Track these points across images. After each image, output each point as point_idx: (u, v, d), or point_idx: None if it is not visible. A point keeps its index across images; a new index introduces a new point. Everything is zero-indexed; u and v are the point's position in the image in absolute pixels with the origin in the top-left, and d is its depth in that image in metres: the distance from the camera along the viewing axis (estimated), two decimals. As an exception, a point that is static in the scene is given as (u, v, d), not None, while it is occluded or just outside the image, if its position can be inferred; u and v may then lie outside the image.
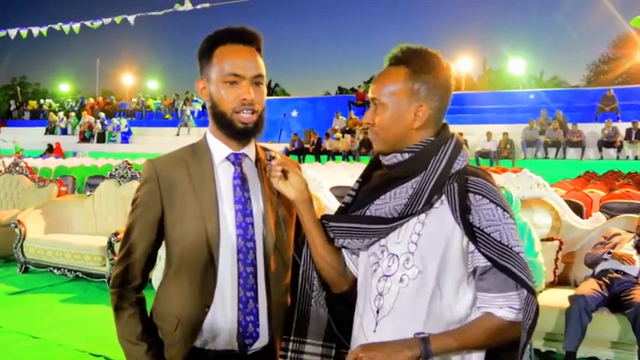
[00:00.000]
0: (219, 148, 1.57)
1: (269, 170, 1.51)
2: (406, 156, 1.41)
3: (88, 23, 17.83)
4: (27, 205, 7.02)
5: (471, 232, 1.33)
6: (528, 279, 1.32)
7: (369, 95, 1.45)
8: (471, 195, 1.35)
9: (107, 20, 17.59)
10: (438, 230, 1.36)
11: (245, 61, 1.50)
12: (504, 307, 1.34)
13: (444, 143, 1.40)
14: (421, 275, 1.36)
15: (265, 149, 1.66)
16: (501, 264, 1.31)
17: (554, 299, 3.68)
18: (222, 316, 1.53)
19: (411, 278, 1.37)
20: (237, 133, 1.53)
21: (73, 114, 28.16)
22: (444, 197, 1.36)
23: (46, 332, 4.40)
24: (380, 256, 1.43)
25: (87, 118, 26.58)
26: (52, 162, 14.29)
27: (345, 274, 1.56)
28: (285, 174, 1.50)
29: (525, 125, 17.83)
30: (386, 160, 1.46)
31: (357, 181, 1.55)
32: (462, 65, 35.08)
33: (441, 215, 1.36)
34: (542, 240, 4.17)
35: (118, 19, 17.51)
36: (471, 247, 1.35)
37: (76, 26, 17.81)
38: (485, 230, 1.33)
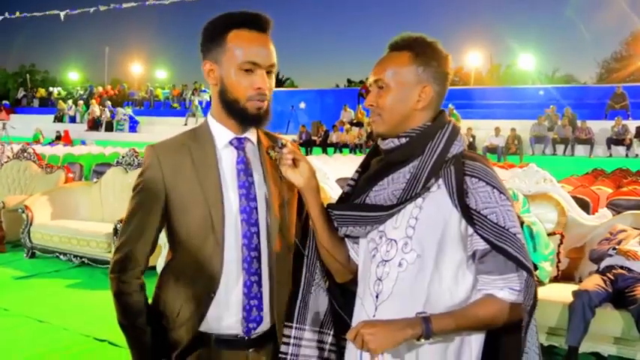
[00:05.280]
0: (222, 133, 1.56)
1: (279, 158, 1.50)
2: (403, 140, 1.43)
3: (91, 10, 17.97)
4: (34, 191, 7.05)
5: (469, 214, 1.34)
6: (525, 259, 1.33)
7: (371, 78, 1.46)
8: (467, 178, 1.36)
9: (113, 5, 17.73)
10: (435, 214, 1.37)
11: (262, 49, 1.48)
12: (505, 288, 1.35)
13: (440, 128, 1.42)
14: (420, 259, 1.37)
15: (271, 135, 1.65)
16: (498, 245, 1.33)
17: (558, 294, 3.66)
18: (227, 301, 1.53)
19: (410, 262, 1.38)
20: (250, 120, 1.51)
21: (81, 102, 28.24)
22: (440, 181, 1.38)
23: (51, 317, 4.45)
24: (378, 241, 1.45)
25: (95, 106, 26.66)
26: (60, 149, 14.35)
27: (348, 264, 1.57)
28: (295, 162, 1.49)
29: (534, 121, 17.72)
30: (383, 145, 1.47)
31: (357, 171, 1.56)
32: (471, 60, 34.95)
33: (439, 199, 1.37)
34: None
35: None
36: (470, 230, 1.36)
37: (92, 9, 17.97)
38: (482, 212, 1.34)
